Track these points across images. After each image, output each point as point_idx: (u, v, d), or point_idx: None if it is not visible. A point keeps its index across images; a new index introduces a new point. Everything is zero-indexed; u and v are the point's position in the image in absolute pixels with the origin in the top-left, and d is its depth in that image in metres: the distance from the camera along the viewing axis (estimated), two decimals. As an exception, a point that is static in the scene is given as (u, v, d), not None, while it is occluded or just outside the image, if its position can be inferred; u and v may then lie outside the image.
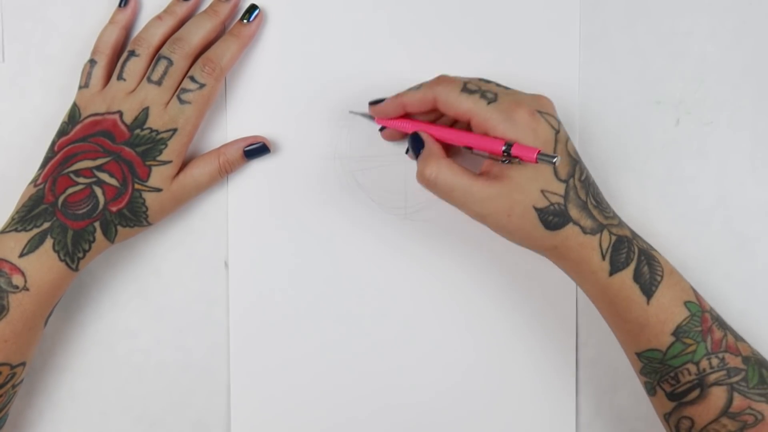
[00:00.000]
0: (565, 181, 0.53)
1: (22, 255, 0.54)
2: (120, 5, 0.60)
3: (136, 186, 0.56)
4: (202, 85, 0.57)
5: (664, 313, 0.53)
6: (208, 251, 0.62)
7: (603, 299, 0.55)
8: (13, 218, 0.56)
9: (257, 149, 0.60)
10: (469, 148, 0.54)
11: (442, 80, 0.55)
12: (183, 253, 0.62)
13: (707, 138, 0.61)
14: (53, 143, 0.58)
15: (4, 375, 0.55)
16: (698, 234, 0.61)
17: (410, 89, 0.56)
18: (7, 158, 0.61)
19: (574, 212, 0.53)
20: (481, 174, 0.54)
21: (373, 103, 0.58)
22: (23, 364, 0.56)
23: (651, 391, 0.56)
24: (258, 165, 0.61)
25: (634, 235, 0.55)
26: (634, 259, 0.54)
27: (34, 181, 0.57)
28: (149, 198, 0.57)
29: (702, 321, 0.54)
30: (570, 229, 0.53)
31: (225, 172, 0.60)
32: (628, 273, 0.54)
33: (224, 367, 0.62)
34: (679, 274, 0.55)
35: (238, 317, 0.62)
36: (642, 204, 0.61)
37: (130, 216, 0.56)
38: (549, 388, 0.62)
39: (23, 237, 0.54)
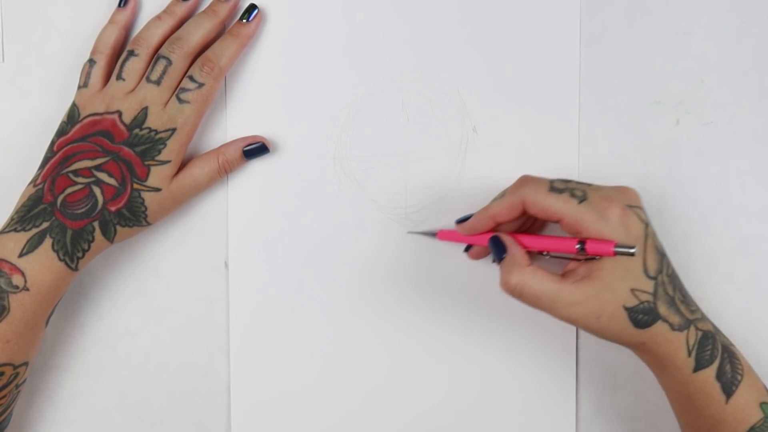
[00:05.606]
0: (654, 278, 0.52)
1: (21, 255, 0.54)
2: (119, 5, 0.60)
3: (135, 186, 0.56)
4: (201, 85, 0.57)
5: (741, 413, 0.53)
6: (208, 251, 0.62)
7: (682, 393, 0.54)
8: (12, 218, 0.56)
9: (256, 149, 0.60)
10: (544, 253, 0.54)
11: (526, 181, 0.54)
12: (183, 253, 0.62)
13: (707, 138, 0.61)
14: (52, 143, 0.58)
15: (8, 375, 0.55)
16: (698, 234, 0.61)
17: (494, 200, 0.55)
18: (7, 158, 0.61)
19: (662, 309, 0.52)
20: (565, 274, 0.53)
21: (460, 221, 0.56)
22: (26, 363, 0.56)
23: None
24: (258, 165, 0.61)
25: (716, 329, 0.55)
26: (717, 356, 0.53)
27: (33, 181, 0.57)
28: (148, 198, 0.56)
29: None
30: (659, 326, 0.52)
31: (224, 171, 0.60)
32: (711, 371, 0.53)
33: (224, 367, 0.62)
34: (755, 373, 0.54)
35: (238, 317, 0.62)
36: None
37: (129, 216, 0.56)
38: (549, 388, 0.62)
39: (22, 237, 0.54)
